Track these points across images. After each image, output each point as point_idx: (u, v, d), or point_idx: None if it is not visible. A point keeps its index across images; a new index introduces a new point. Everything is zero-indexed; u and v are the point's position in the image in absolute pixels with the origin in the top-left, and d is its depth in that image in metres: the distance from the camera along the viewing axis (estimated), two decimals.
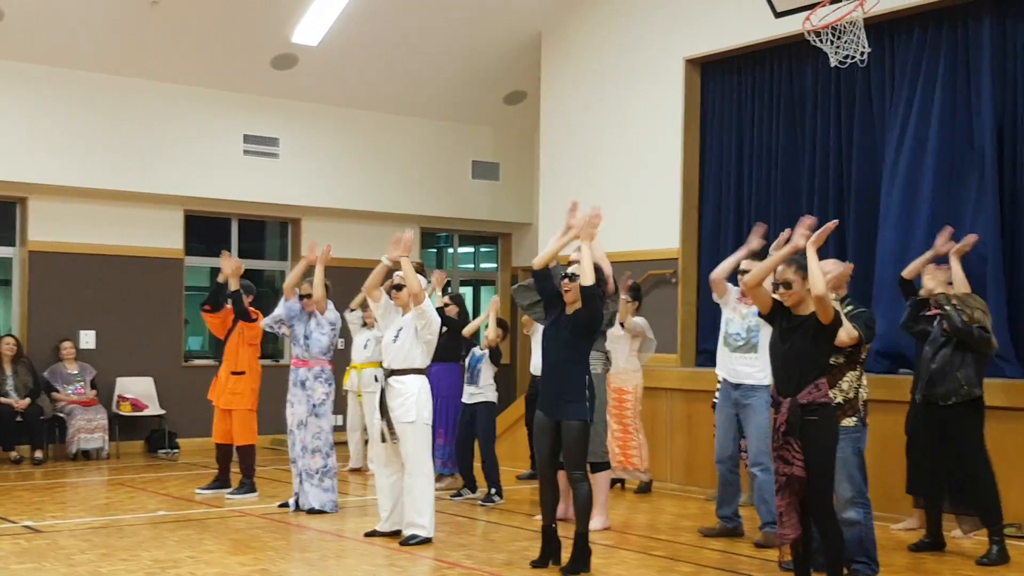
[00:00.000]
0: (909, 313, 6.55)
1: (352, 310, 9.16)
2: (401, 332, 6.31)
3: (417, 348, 6.29)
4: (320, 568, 5.79)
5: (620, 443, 8.52)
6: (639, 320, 8.39)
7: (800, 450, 4.73)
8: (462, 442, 8.05)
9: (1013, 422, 6.94)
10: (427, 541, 6.24)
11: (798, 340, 4.84)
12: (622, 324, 8.29)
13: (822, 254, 8.79)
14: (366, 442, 9.11)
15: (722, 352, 6.61)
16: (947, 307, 6.12)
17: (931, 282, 6.36)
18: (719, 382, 7.55)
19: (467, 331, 8.19)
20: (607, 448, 6.86)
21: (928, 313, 6.67)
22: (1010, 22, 8.16)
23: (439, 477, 8.35)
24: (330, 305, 7.51)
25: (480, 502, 7.86)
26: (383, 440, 6.30)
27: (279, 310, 7.52)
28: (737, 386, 6.46)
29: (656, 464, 8.76)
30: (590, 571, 5.57)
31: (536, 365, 8.41)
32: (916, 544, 6.40)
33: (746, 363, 6.38)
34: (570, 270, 5.66)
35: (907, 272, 6.87)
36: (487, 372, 7.92)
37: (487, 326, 8.02)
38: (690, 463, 8.97)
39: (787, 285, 4.91)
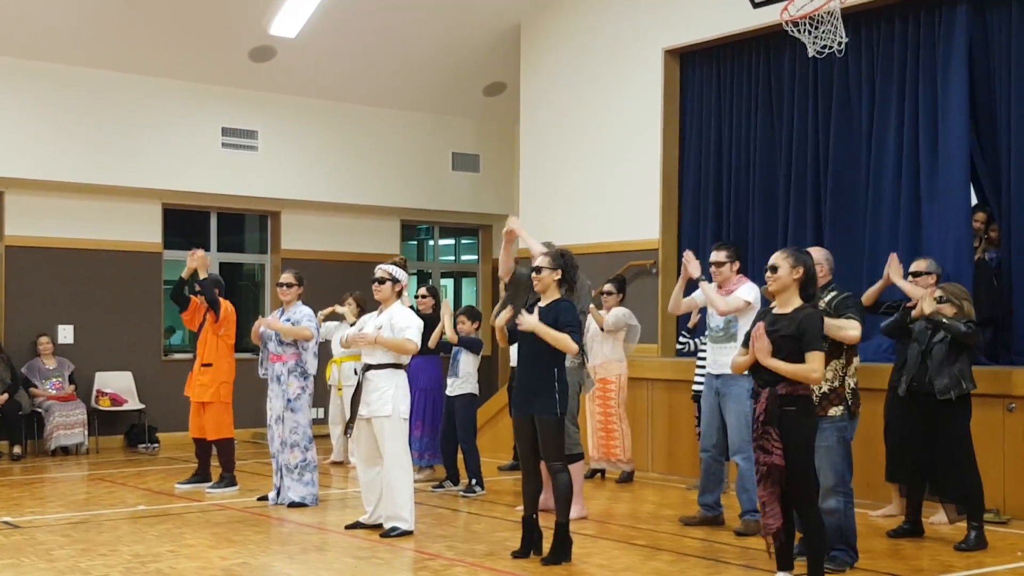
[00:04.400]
0: (897, 321, 6.52)
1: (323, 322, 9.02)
2: (380, 331, 6.25)
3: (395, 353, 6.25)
4: (301, 561, 5.78)
5: (603, 433, 8.55)
6: (617, 313, 8.41)
7: (779, 439, 4.76)
8: (445, 434, 8.05)
9: (988, 409, 7.01)
10: (408, 533, 6.24)
11: (776, 333, 4.83)
12: (602, 328, 8.32)
13: (802, 242, 8.88)
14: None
15: (709, 346, 6.69)
16: (946, 320, 6.13)
17: (928, 306, 6.27)
18: (696, 372, 7.59)
19: (431, 343, 7.97)
20: (579, 440, 6.88)
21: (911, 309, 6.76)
22: (985, 11, 8.20)
23: (418, 469, 8.36)
24: (298, 304, 7.41)
25: (461, 493, 7.87)
26: (345, 433, 6.31)
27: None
28: (718, 376, 6.50)
29: (637, 454, 8.80)
30: (571, 561, 5.59)
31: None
32: (895, 530, 6.45)
33: (725, 353, 6.42)
34: (536, 263, 5.72)
35: (866, 299, 6.87)
36: (466, 362, 7.92)
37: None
38: (671, 452, 9.01)
39: (773, 269, 4.90)
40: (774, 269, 4.91)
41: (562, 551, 5.57)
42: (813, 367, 4.78)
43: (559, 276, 5.70)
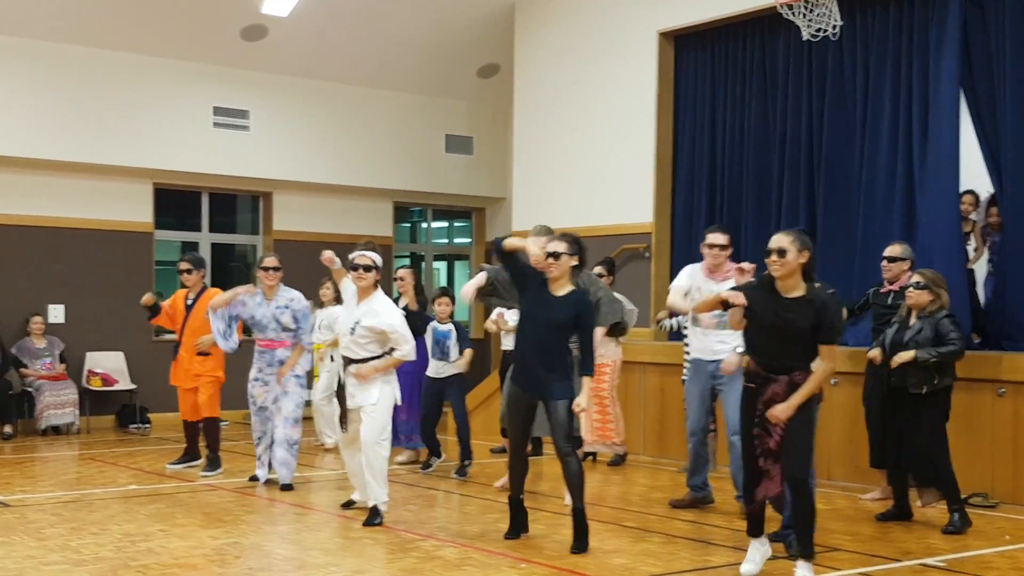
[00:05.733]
0: (864, 305, 6.47)
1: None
2: (357, 326, 6.04)
3: (375, 343, 6.06)
4: (293, 541, 5.79)
5: (598, 416, 8.56)
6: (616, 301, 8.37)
7: (784, 424, 4.75)
8: (428, 415, 8.04)
9: (977, 393, 7.04)
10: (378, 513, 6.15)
11: (797, 322, 4.76)
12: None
13: (794, 226, 8.84)
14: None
15: (694, 330, 6.59)
16: (934, 356, 6.08)
17: (906, 357, 6.21)
18: (686, 357, 7.55)
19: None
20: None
21: (883, 291, 6.79)
22: None
23: (400, 451, 8.38)
24: (282, 287, 7.36)
25: (454, 474, 7.87)
26: (343, 429, 6.21)
27: (219, 323, 7.25)
28: (712, 361, 6.46)
29: (629, 437, 8.81)
30: (587, 550, 5.48)
31: (509, 340, 8.41)
32: (883, 514, 6.49)
33: (720, 340, 6.39)
34: (550, 248, 5.55)
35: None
36: (457, 350, 7.93)
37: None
38: (662, 436, 9.04)
39: (781, 253, 4.77)
40: (782, 253, 4.76)
41: (585, 538, 5.45)
42: (830, 365, 4.80)
43: (575, 262, 5.55)
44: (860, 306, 7.11)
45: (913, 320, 6.27)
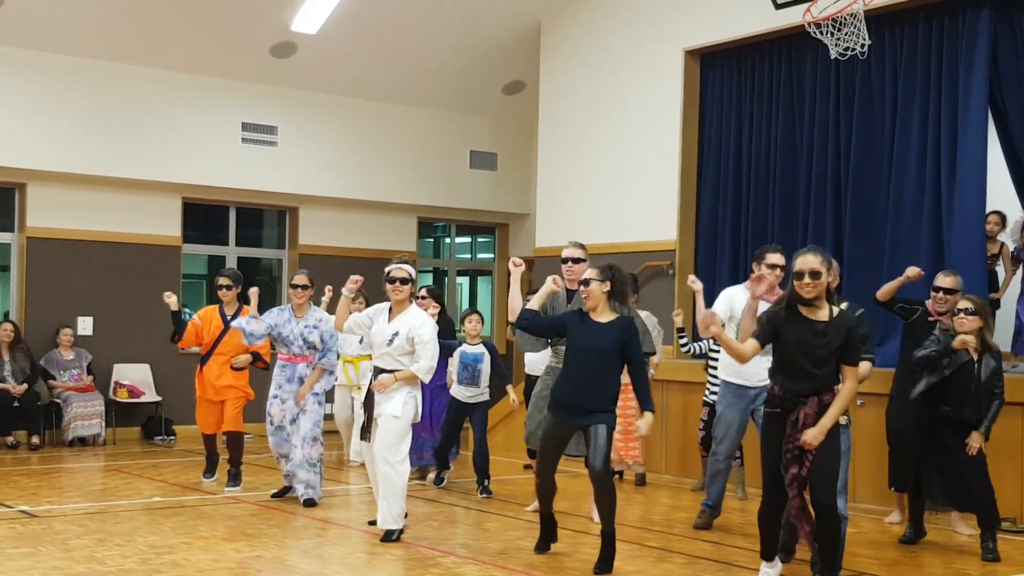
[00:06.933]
0: (937, 355, 6.14)
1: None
2: (396, 337, 6.03)
3: (409, 355, 6.06)
4: (315, 555, 5.80)
5: (621, 436, 8.52)
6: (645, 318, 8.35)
7: (814, 449, 4.73)
8: (449, 437, 8.02)
9: (1006, 417, 6.94)
10: (400, 532, 6.13)
11: (826, 344, 4.74)
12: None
13: (821, 245, 8.80)
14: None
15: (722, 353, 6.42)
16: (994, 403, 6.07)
17: (963, 329, 6.09)
18: (711, 380, 7.45)
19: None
20: None
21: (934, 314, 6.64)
22: (1011, 13, 8.13)
23: (420, 470, 8.34)
24: (312, 306, 7.37)
25: (479, 494, 7.83)
26: (363, 438, 6.18)
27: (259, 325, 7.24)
28: (755, 388, 6.33)
29: (650, 456, 8.77)
30: (612, 572, 5.44)
31: (532, 364, 8.38)
32: (904, 537, 6.40)
33: (764, 365, 6.30)
34: (584, 276, 5.53)
35: (881, 294, 6.80)
36: (487, 373, 7.90)
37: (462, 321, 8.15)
38: (684, 455, 8.98)
39: (815, 275, 4.72)
40: (816, 275, 4.72)
41: (611, 560, 5.41)
42: (855, 385, 4.81)
43: (608, 288, 5.45)
44: (906, 311, 6.79)
45: (973, 356, 6.04)
